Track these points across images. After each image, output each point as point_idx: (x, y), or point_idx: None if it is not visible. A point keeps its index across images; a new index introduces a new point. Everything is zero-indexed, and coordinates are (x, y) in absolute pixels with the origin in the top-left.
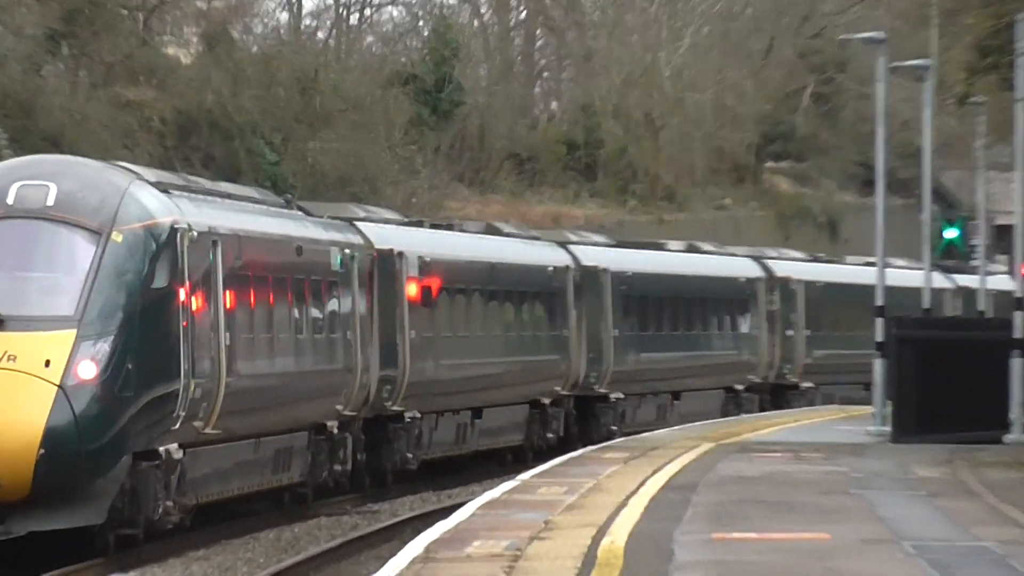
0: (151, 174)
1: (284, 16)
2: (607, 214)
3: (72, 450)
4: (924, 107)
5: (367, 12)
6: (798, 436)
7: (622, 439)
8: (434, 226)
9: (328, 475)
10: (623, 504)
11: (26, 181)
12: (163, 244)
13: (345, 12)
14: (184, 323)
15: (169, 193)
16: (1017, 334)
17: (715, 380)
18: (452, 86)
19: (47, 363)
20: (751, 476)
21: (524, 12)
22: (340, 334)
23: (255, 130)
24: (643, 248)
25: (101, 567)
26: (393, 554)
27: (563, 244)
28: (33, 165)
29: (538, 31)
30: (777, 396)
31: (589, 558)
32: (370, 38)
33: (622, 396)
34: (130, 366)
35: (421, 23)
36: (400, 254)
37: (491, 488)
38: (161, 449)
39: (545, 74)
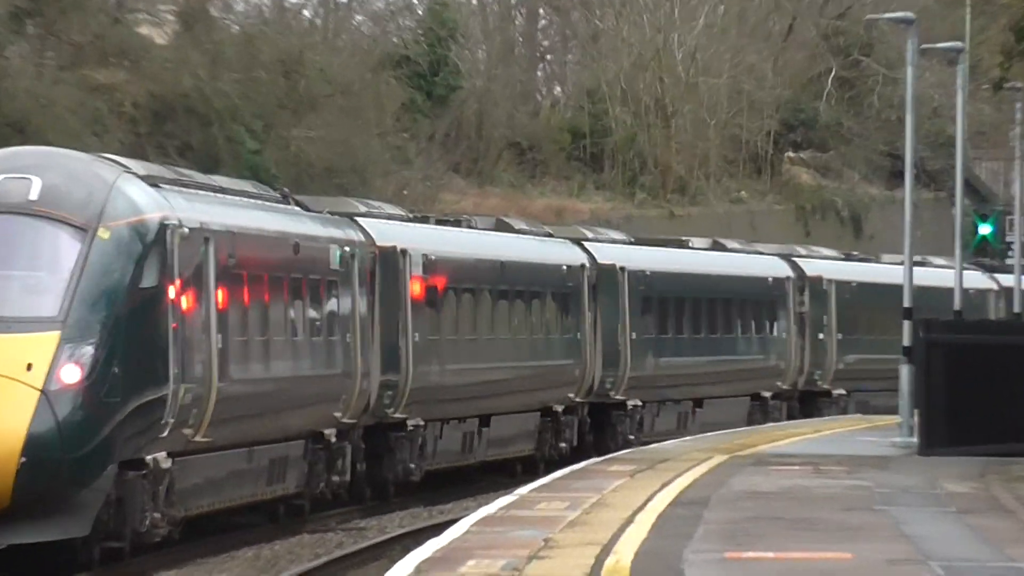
0: (140, 167)
1: None
2: (614, 208)
3: (55, 459)
4: (957, 93)
5: None
6: (818, 448)
7: (628, 450)
8: (440, 222)
9: (326, 486)
10: (629, 521)
11: (8, 174)
12: (152, 241)
13: None
14: (174, 324)
15: (159, 187)
16: None
17: (740, 387)
18: (448, 69)
19: (29, 367)
20: (767, 491)
21: None
22: (339, 336)
23: (235, 116)
24: (663, 246)
25: None
26: (381, 575)
27: (578, 241)
28: (15, 157)
29: (541, 10)
30: (807, 404)
31: None
32: (360, 17)
33: (640, 403)
34: (116, 370)
35: (415, 1)
36: (403, 252)
37: (487, 503)
38: (149, 458)
39: (548, 57)
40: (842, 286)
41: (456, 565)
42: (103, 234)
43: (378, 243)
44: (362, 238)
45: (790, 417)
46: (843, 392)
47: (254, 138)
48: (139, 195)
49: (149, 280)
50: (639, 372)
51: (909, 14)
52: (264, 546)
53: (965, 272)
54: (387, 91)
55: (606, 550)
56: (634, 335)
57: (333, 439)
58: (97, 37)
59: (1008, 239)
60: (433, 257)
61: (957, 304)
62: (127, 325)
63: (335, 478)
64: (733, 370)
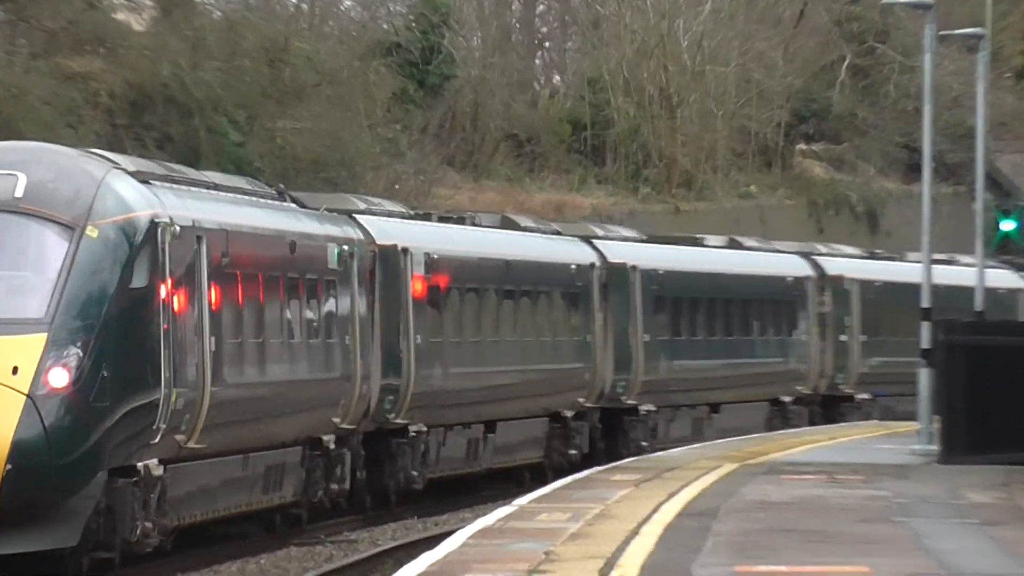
0: (130, 163)
1: None
2: (616, 203)
3: (42, 465)
4: (977, 81)
5: None
6: (833, 456)
7: (633, 459)
8: (443, 219)
9: (324, 495)
10: (634, 533)
11: None
12: (143, 240)
13: None
14: (165, 326)
15: (149, 184)
16: None
17: (759, 391)
18: (441, 57)
19: (15, 370)
20: (780, 501)
21: None
22: (337, 339)
23: (217, 107)
24: (677, 243)
25: None
26: None
27: (588, 239)
28: (0, 152)
29: None
30: (829, 409)
31: None
32: (348, 2)
33: (653, 409)
34: (106, 374)
35: None
36: (404, 250)
37: (484, 514)
38: (139, 465)
39: (547, 44)
40: (865, 285)
41: None
42: (91, 232)
43: (378, 241)
44: (361, 236)
45: (811, 423)
46: (867, 396)
47: (237, 130)
48: (129, 192)
49: (139, 280)
50: (652, 376)
51: None
52: (250, 560)
53: (994, 271)
54: (377, 80)
55: (610, 564)
56: (647, 337)
57: (332, 445)
58: (71, 23)
59: None
60: (435, 256)
61: (979, 304)
62: (117, 327)
63: (334, 486)
64: (751, 374)
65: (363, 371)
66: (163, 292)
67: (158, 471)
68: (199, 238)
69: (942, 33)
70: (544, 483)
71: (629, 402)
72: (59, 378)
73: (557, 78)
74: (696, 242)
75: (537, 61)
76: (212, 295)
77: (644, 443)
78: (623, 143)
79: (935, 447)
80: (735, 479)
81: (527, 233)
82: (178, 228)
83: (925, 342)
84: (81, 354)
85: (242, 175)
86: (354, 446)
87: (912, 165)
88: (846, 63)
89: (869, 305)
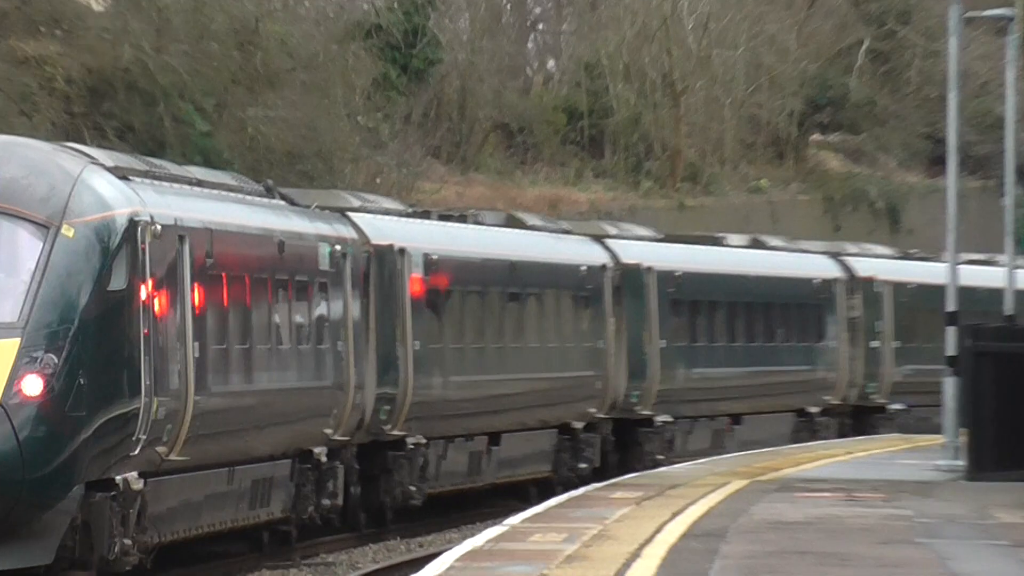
0: (108, 158)
1: None
2: (615, 198)
3: (15, 479)
4: (1006, 67)
5: None
6: (851, 471)
7: (633, 475)
8: (443, 217)
9: (315, 511)
10: (635, 555)
11: None
12: (121, 239)
13: None
14: (146, 331)
15: (129, 180)
16: None
17: (784, 401)
18: (426, 40)
19: None
20: (793, 521)
21: None
22: (329, 344)
23: (183, 94)
24: (696, 243)
25: None
26: None
27: (599, 239)
28: None
29: None
30: (860, 420)
31: None
32: None
33: (670, 420)
34: (82, 381)
35: None
36: (402, 251)
37: (473, 535)
38: (118, 478)
39: (540, 26)
40: (898, 288)
41: None
42: (67, 232)
43: (373, 241)
44: (355, 235)
45: (840, 435)
46: (901, 407)
47: (204, 119)
48: (107, 189)
49: (118, 282)
50: (669, 385)
51: None
52: None
53: None
54: (356, 65)
55: None
56: (663, 343)
57: (323, 459)
58: (24, 2)
59: None
60: (435, 256)
61: (1008, 307)
62: (94, 332)
63: (325, 502)
64: (775, 383)
65: (357, 379)
66: (143, 295)
67: (138, 485)
68: (181, 237)
69: (968, 15)
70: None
71: (644, 413)
72: (33, 386)
73: (551, 63)
74: (716, 241)
75: (530, 45)
76: (195, 298)
77: (660, 456)
78: (623, 133)
79: (961, 462)
80: (745, 497)
81: (534, 232)
82: (159, 227)
83: (951, 348)
84: (56, 361)
85: (210, 168)
86: (347, 459)
87: (936, 157)
88: (864, 47)
89: (902, 309)
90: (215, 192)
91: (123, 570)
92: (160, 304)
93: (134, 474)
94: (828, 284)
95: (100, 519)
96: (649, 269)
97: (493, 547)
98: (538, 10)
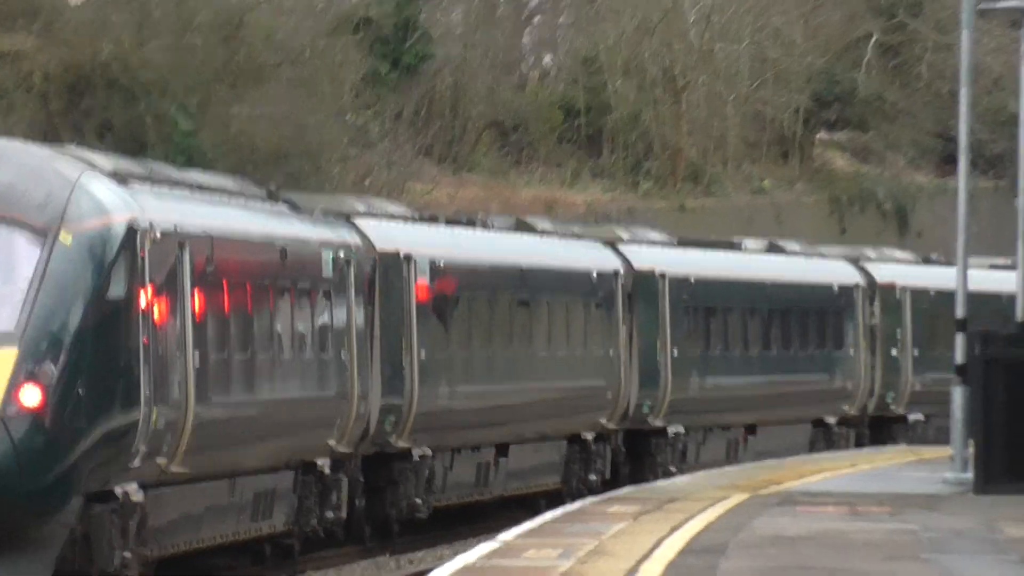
0: (106, 162)
1: None
2: (614, 199)
3: (13, 491)
4: (1021, 61)
5: None
6: (855, 485)
7: (631, 488)
8: (451, 222)
9: (318, 523)
10: (632, 571)
11: None
12: (120, 246)
13: None
14: (145, 340)
15: (128, 185)
16: None
17: (800, 411)
18: (417, 34)
19: None
20: (795, 536)
21: None
22: (332, 353)
23: (165, 91)
24: (711, 248)
25: None
26: None
27: (611, 243)
28: None
29: None
30: (878, 430)
31: None
32: None
33: (682, 430)
34: (81, 391)
35: None
36: (407, 257)
37: (465, 550)
38: (118, 490)
39: (536, 19)
40: (919, 295)
41: None
42: (65, 238)
43: (378, 247)
44: (359, 241)
45: (859, 446)
46: (920, 417)
47: (187, 116)
48: (105, 194)
49: (117, 290)
50: (682, 394)
51: None
52: None
53: None
54: (345, 60)
55: None
56: (676, 352)
57: (327, 470)
58: None
59: None
60: (442, 263)
61: (1020, 314)
62: (93, 341)
63: (329, 514)
64: (792, 392)
65: (361, 389)
66: (143, 303)
67: (138, 496)
68: (182, 244)
69: (982, 6)
70: None
71: (656, 423)
72: (31, 396)
73: (548, 58)
74: (732, 246)
75: (525, 39)
76: (196, 306)
77: (672, 468)
78: (622, 131)
79: (969, 475)
80: (745, 511)
81: (544, 237)
82: (159, 233)
83: (959, 356)
84: (54, 370)
85: (193, 167)
86: (352, 471)
87: (947, 156)
88: (873, 40)
89: (923, 316)
90: (216, 197)
91: None
92: (160, 312)
93: (134, 485)
94: (847, 290)
95: (99, 531)
96: (662, 275)
97: (485, 563)
98: (534, 3)
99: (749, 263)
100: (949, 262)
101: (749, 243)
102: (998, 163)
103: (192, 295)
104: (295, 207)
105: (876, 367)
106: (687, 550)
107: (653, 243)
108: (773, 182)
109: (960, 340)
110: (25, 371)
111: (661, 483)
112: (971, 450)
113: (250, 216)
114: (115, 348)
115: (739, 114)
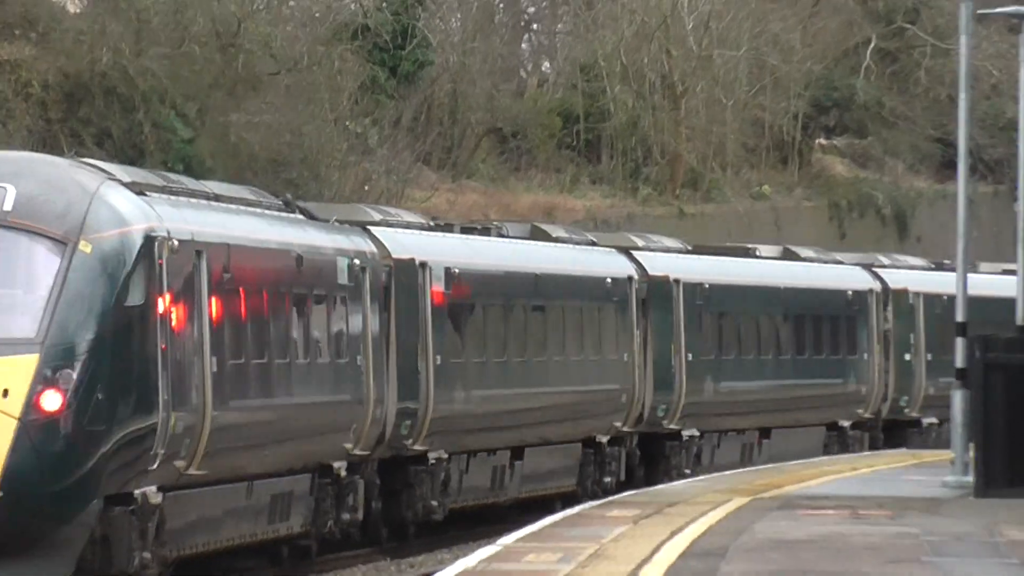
0: (125, 173)
1: None
2: (613, 205)
3: (35, 493)
4: (1020, 66)
5: None
6: (856, 488)
7: (631, 492)
8: (466, 230)
9: (335, 525)
10: (633, 575)
11: None
12: (138, 255)
13: None
14: (163, 346)
15: (145, 195)
16: None
17: (814, 415)
18: (416, 41)
19: (5, 393)
20: (796, 539)
21: None
22: (348, 359)
23: (163, 99)
24: (725, 255)
25: None
26: None
27: (625, 250)
28: None
29: None
30: (892, 434)
31: None
32: None
33: (697, 433)
34: (101, 396)
35: None
36: (423, 264)
37: (464, 555)
38: (137, 492)
39: (535, 26)
40: (931, 300)
41: None
42: (84, 247)
43: (394, 255)
44: (375, 249)
45: (873, 450)
46: (934, 421)
47: (186, 124)
48: (124, 204)
49: (135, 297)
50: (696, 398)
51: None
52: None
53: None
54: (343, 68)
55: None
56: (690, 356)
57: (343, 473)
58: None
59: None
60: (456, 270)
61: (1020, 318)
62: (112, 347)
63: (345, 516)
64: (806, 396)
65: (376, 393)
66: (161, 310)
67: (156, 499)
68: (199, 252)
69: (980, 12)
70: None
71: (670, 427)
72: (52, 401)
73: (546, 65)
74: (747, 253)
75: (524, 45)
76: (213, 312)
77: (687, 470)
78: (621, 137)
79: (970, 478)
80: (746, 515)
81: (558, 244)
82: (176, 242)
83: (960, 360)
84: (75, 376)
85: (191, 175)
86: (368, 474)
87: (946, 161)
88: (871, 46)
89: (936, 321)
90: (232, 206)
91: None
92: (177, 319)
93: (153, 488)
94: (861, 296)
95: (119, 533)
96: (677, 281)
97: (487, 567)
98: (532, 10)
99: (763, 269)
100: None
101: (764, 249)
102: (997, 168)
103: (209, 302)
104: (311, 216)
105: (889, 371)
106: (687, 554)
107: (667, 250)
108: (772, 188)
109: (960, 344)
110: (46, 377)
111: (661, 487)
112: (971, 454)
113: (266, 225)
114: (133, 354)
115: (738, 120)
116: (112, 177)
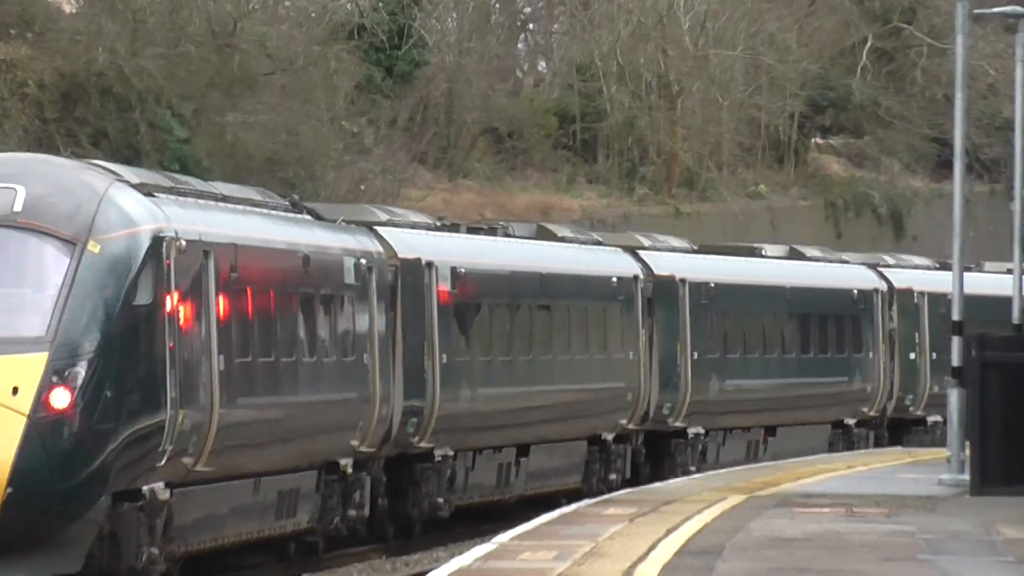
0: (133, 174)
1: None
2: (609, 205)
3: (44, 489)
4: (1016, 66)
5: None
6: (852, 486)
7: (626, 491)
8: (472, 230)
9: (341, 522)
10: (628, 573)
11: None
12: (147, 255)
13: None
14: (171, 345)
15: (153, 196)
16: None
17: (819, 413)
18: (412, 41)
19: (14, 391)
20: (792, 537)
21: None
22: (354, 357)
23: (159, 99)
24: (731, 254)
25: None
26: None
27: (631, 250)
28: None
29: None
30: (897, 432)
31: None
32: None
33: (702, 431)
34: (109, 394)
35: None
36: (429, 264)
37: (460, 553)
38: (145, 489)
39: (531, 26)
40: (936, 299)
41: None
42: (93, 248)
43: (400, 255)
44: (381, 249)
45: (878, 447)
46: (939, 419)
47: (182, 124)
48: (132, 205)
49: (144, 297)
50: (701, 396)
51: None
52: None
53: None
54: (339, 68)
55: None
56: (696, 355)
57: (349, 470)
58: None
59: None
60: (463, 270)
61: (1016, 316)
62: (120, 346)
63: (352, 513)
64: (811, 394)
65: (382, 392)
66: (168, 309)
67: (164, 495)
68: (206, 252)
69: (977, 12)
70: None
71: (676, 424)
72: (61, 399)
73: (542, 64)
74: (753, 252)
75: (520, 45)
76: (220, 312)
77: (692, 468)
78: (617, 137)
79: (966, 477)
80: (742, 513)
81: (564, 244)
82: (184, 242)
83: (956, 359)
84: (83, 374)
85: (187, 175)
86: (375, 471)
87: (942, 161)
88: (868, 46)
89: (941, 320)
90: (239, 207)
91: None
92: (185, 318)
93: (160, 484)
94: (866, 295)
95: (127, 529)
96: (682, 281)
97: (482, 565)
98: (528, 10)
99: (769, 269)
100: (966, 267)
101: (770, 249)
102: (993, 167)
103: (217, 301)
104: (318, 217)
105: (895, 370)
106: (684, 552)
107: (673, 250)
108: (768, 187)
109: (957, 343)
110: (55, 375)
111: (657, 485)
112: (967, 452)
113: (273, 225)
114: (141, 353)
115: (734, 119)
116: (120, 178)
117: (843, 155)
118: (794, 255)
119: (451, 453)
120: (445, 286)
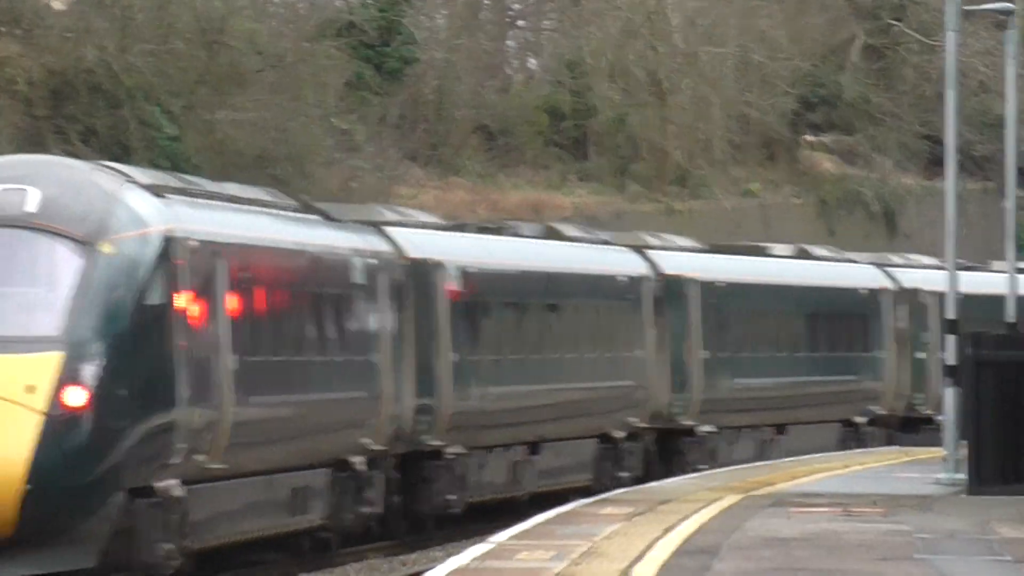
0: (144, 176)
1: None
2: (601, 202)
3: (60, 486)
4: (1006, 63)
5: None
6: (848, 486)
7: (623, 490)
8: (481, 230)
9: (354, 518)
10: (625, 573)
11: (3, 185)
12: (158, 255)
13: None
14: (183, 344)
15: (165, 197)
16: None
17: (829, 412)
18: (402, 38)
19: (30, 389)
20: (788, 537)
21: None
22: (364, 356)
23: (148, 96)
24: (740, 253)
25: None
26: None
27: (640, 249)
28: (10, 167)
29: None
30: (907, 431)
31: None
32: None
33: (713, 430)
34: (123, 392)
35: None
36: (438, 264)
37: (457, 552)
38: (159, 485)
39: (520, 22)
40: (944, 298)
41: None
42: (106, 248)
43: (409, 255)
44: (390, 249)
45: (888, 445)
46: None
47: (171, 121)
48: (143, 206)
49: (155, 297)
50: (712, 395)
51: None
52: None
53: None
54: (329, 65)
55: None
56: (706, 354)
57: (362, 467)
58: None
59: None
60: (471, 269)
61: (1011, 314)
62: (133, 344)
63: (364, 509)
64: (821, 393)
65: (393, 390)
66: (180, 308)
67: (178, 492)
68: (217, 252)
69: (967, 8)
70: None
71: (686, 423)
72: (76, 397)
73: (532, 61)
74: (761, 251)
75: (509, 42)
76: (231, 311)
77: (703, 466)
78: (608, 134)
79: (962, 476)
80: (738, 512)
81: (572, 243)
82: (195, 243)
83: (951, 358)
84: (98, 372)
85: (178, 172)
86: (387, 468)
87: (934, 158)
88: (859, 43)
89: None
90: (249, 207)
91: (165, 574)
92: (197, 317)
93: (175, 481)
94: (874, 294)
95: (142, 524)
96: (691, 280)
97: (479, 565)
98: (518, 6)
99: (777, 268)
100: (972, 266)
101: (778, 248)
102: (986, 165)
103: (228, 300)
104: (327, 217)
105: (903, 369)
106: (680, 551)
107: (681, 249)
108: (760, 185)
109: (951, 341)
110: (69, 373)
111: (654, 484)
112: (963, 451)
113: (283, 225)
114: (154, 351)
115: (725, 117)
116: (132, 180)
117: (835, 152)
118: (802, 255)
119: (463, 451)
120: (454, 286)
